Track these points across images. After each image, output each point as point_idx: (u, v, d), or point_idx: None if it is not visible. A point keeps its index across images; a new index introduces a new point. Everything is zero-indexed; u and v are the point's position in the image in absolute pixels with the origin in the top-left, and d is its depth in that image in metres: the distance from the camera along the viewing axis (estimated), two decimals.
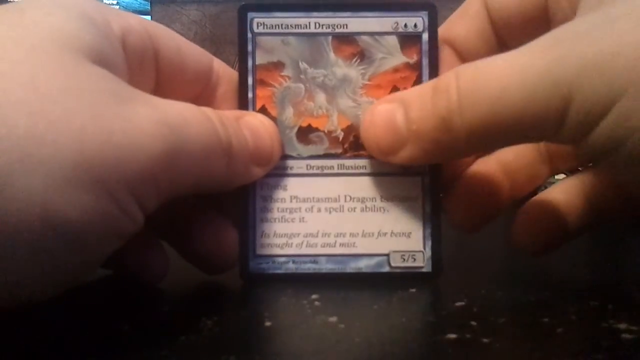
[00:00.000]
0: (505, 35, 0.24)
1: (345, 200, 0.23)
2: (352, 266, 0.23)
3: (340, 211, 0.23)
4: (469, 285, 0.22)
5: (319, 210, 0.23)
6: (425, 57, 0.23)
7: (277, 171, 0.23)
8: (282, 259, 0.23)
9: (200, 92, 0.24)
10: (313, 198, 0.23)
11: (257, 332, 0.18)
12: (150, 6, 0.71)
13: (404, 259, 0.23)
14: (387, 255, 0.23)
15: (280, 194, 0.23)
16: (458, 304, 0.20)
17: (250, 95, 0.23)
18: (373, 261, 0.23)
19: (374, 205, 0.23)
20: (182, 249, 0.24)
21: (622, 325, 0.18)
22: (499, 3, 0.23)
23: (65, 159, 0.15)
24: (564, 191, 0.23)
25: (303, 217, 0.23)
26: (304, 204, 0.23)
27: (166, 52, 0.22)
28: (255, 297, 0.22)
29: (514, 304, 0.21)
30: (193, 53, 0.23)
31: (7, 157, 0.15)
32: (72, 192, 0.16)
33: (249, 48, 0.23)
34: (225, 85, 0.24)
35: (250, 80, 0.23)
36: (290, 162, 0.23)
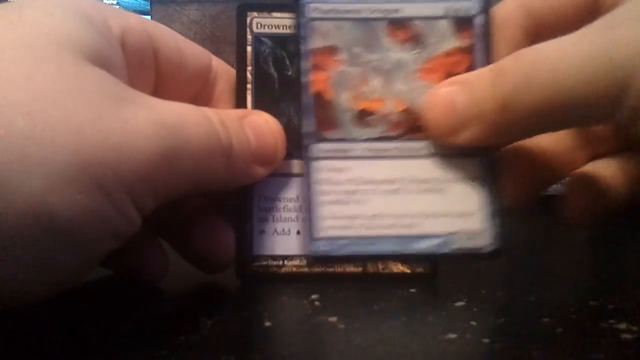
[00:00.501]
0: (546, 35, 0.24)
1: (404, 182, 0.23)
2: (414, 247, 0.23)
3: (399, 193, 0.23)
4: (469, 286, 0.22)
5: (378, 192, 0.23)
6: (479, 41, 0.23)
7: (335, 154, 0.23)
8: (343, 241, 0.23)
9: (199, 89, 0.24)
10: (371, 180, 0.23)
11: (257, 332, 0.18)
12: (150, 6, 0.71)
13: (466, 240, 0.23)
14: (448, 235, 0.23)
15: (338, 176, 0.23)
16: (458, 304, 0.20)
17: (305, 79, 0.23)
18: (434, 242, 0.23)
19: (433, 187, 0.23)
20: (179, 247, 0.24)
21: (622, 325, 0.18)
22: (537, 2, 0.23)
23: (62, 160, 0.15)
24: (606, 168, 0.24)
25: (362, 199, 0.23)
26: (362, 186, 0.23)
27: (165, 51, 0.22)
28: (255, 297, 0.22)
29: (514, 304, 0.21)
30: (192, 52, 0.23)
31: (5, 158, 0.15)
32: (69, 192, 0.16)
33: (303, 33, 0.23)
34: (223, 82, 0.24)
35: (305, 65, 0.23)
36: (347, 145, 0.23)
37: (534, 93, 0.19)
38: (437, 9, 0.23)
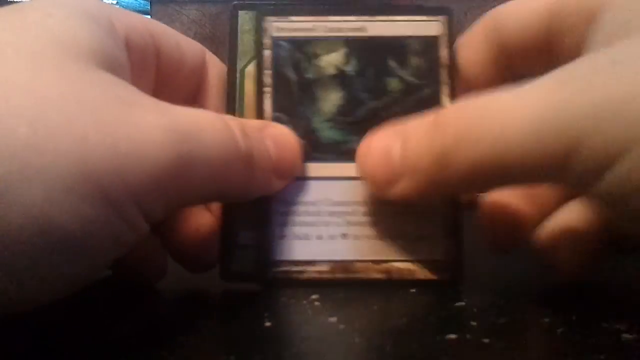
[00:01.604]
0: (511, 63, 0.23)
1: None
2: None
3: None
4: (469, 286, 0.22)
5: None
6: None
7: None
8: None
9: (197, 85, 0.24)
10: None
11: (257, 332, 0.18)
12: (150, 6, 0.71)
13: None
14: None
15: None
16: (458, 304, 0.20)
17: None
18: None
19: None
20: (164, 241, 0.23)
21: (623, 326, 0.18)
22: (502, 31, 0.23)
23: (65, 169, 0.15)
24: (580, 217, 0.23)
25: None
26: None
27: (167, 50, 0.22)
28: (255, 297, 0.22)
29: (514, 305, 0.21)
30: (190, 49, 0.23)
31: (6, 167, 0.14)
32: (72, 202, 0.15)
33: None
34: (215, 77, 0.24)
35: None
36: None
37: (474, 148, 0.18)
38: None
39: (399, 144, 0.20)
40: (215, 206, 0.23)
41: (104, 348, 0.17)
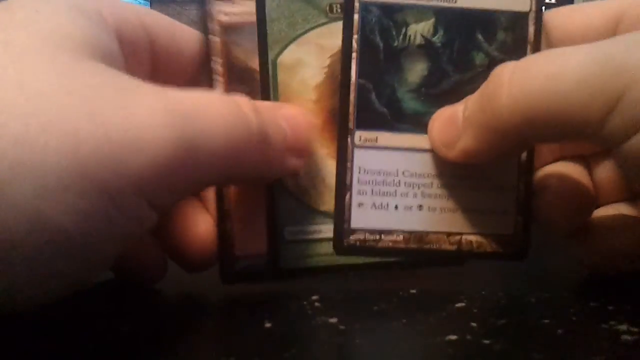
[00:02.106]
0: None
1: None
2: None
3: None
4: (469, 286, 0.22)
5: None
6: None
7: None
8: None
9: (195, 72, 0.23)
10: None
11: (257, 332, 0.18)
12: (150, 6, 0.71)
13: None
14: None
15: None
16: (458, 305, 0.20)
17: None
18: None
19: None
20: (160, 239, 0.23)
21: (623, 327, 0.18)
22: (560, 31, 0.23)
23: (57, 164, 0.14)
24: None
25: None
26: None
27: (162, 41, 0.21)
28: (255, 297, 0.22)
29: (514, 305, 0.21)
30: (187, 38, 0.22)
31: None
32: (67, 198, 0.15)
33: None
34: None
35: None
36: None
37: (524, 87, 0.18)
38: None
39: (462, 107, 0.21)
40: (213, 206, 0.23)
41: (105, 348, 0.17)
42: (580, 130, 0.18)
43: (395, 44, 0.23)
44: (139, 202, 0.16)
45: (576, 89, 0.18)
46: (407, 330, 0.18)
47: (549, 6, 0.24)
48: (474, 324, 0.18)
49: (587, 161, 0.25)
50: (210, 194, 0.23)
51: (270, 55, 0.23)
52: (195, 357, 0.17)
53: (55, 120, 0.15)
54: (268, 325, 0.19)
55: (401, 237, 0.23)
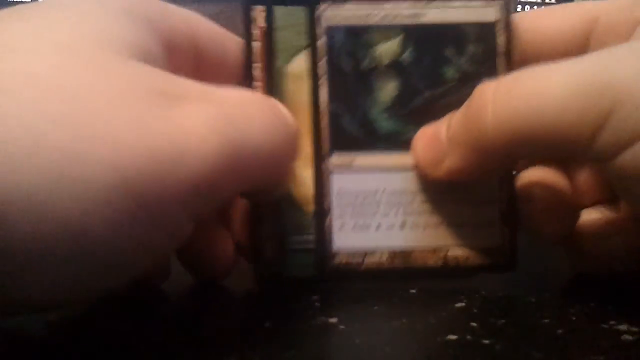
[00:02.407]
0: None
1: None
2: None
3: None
4: (469, 286, 0.22)
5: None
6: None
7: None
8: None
9: (237, 77, 0.23)
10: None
11: (257, 332, 0.18)
12: None
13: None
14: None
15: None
16: (458, 305, 0.20)
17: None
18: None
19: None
20: (178, 251, 0.23)
21: (623, 327, 0.18)
22: (533, 37, 0.23)
23: (99, 178, 0.14)
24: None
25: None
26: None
27: (207, 47, 0.21)
28: (255, 297, 0.22)
29: (514, 305, 0.21)
30: (232, 46, 0.22)
31: (36, 175, 0.13)
32: (107, 213, 0.14)
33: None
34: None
35: None
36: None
37: (510, 105, 0.18)
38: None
39: (445, 126, 0.21)
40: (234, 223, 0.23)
41: (105, 348, 0.17)
42: (569, 147, 0.18)
43: (364, 65, 0.23)
44: (179, 216, 0.16)
45: (563, 108, 0.17)
46: (407, 330, 0.18)
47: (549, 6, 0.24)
48: (474, 324, 0.18)
49: (564, 164, 0.24)
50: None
51: (276, 65, 0.23)
52: (195, 356, 0.17)
53: (97, 130, 0.14)
54: (268, 325, 0.19)
55: (385, 256, 0.23)
